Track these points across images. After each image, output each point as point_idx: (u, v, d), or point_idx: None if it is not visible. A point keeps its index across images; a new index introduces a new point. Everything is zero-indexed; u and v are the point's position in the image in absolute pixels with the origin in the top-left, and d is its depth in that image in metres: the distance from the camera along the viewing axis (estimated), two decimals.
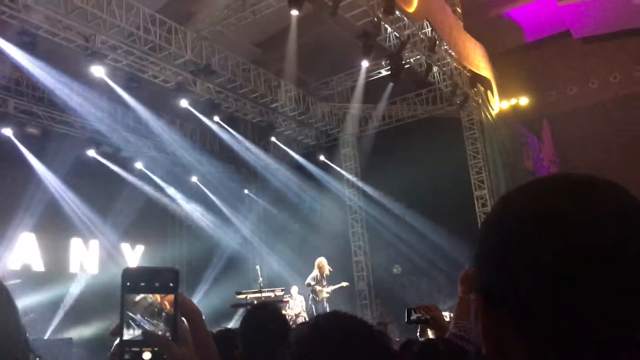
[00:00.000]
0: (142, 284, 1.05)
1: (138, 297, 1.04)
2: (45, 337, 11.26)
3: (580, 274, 0.64)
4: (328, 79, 16.22)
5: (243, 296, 11.07)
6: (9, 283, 8.40)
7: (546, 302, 0.65)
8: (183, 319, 1.46)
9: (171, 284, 1.07)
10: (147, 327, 1.03)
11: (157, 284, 1.05)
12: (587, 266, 0.64)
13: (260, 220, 17.64)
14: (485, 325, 0.73)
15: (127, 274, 1.05)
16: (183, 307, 1.46)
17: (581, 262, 0.65)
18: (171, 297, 1.06)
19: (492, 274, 0.72)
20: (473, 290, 0.76)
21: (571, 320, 0.64)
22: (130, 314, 1.03)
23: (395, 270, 15.28)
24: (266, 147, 17.00)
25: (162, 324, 1.04)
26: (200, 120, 14.22)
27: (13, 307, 0.87)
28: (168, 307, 1.06)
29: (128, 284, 1.05)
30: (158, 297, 1.05)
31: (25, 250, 12.80)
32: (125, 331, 1.03)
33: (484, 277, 0.73)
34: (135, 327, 1.03)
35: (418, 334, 3.24)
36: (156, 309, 1.05)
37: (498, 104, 15.20)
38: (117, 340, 1.04)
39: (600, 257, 0.64)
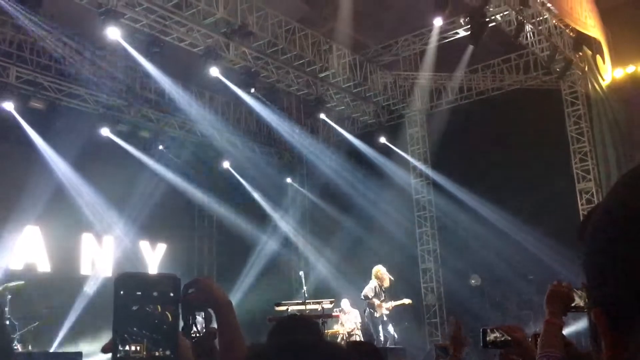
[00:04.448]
0: (138, 293, 1.10)
1: (135, 307, 1.07)
2: (51, 350, 11.76)
3: None
4: (391, 42, 16.06)
5: (284, 308, 11.21)
6: (10, 285, 8.79)
7: None
8: (210, 310, 1.49)
9: (171, 294, 1.12)
10: (144, 342, 1.06)
11: (155, 294, 1.10)
12: None
13: (306, 216, 17.76)
14: (611, 348, 0.70)
15: (121, 281, 1.10)
16: (210, 295, 1.50)
17: None
18: (172, 308, 1.10)
19: (618, 280, 0.68)
20: (590, 303, 0.73)
21: None
22: (126, 328, 1.06)
23: (473, 281, 15.08)
24: (314, 126, 17.06)
25: (162, 339, 1.07)
26: (233, 92, 14.38)
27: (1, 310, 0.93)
28: (170, 318, 1.08)
29: (122, 292, 1.10)
30: (159, 307, 1.09)
31: (29, 246, 13.37)
32: (120, 347, 1.06)
33: (606, 286, 0.70)
34: (132, 342, 1.06)
35: None
36: (156, 322, 1.08)
37: (610, 73, 14.71)
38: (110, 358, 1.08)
39: None
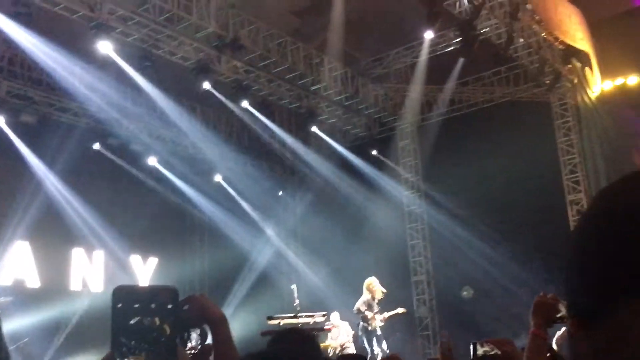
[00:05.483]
0: (136, 306, 1.09)
1: (133, 320, 1.07)
2: None
3: None
4: (382, 55, 16.14)
5: (276, 322, 11.14)
6: None
7: None
8: (205, 327, 1.48)
9: (169, 306, 1.11)
10: (143, 355, 1.06)
11: (153, 306, 1.09)
12: None
13: (298, 229, 17.72)
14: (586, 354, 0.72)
15: (119, 294, 1.10)
16: (205, 311, 1.50)
17: None
18: (170, 320, 1.10)
19: (593, 290, 0.70)
20: (567, 313, 0.75)
21: None
22: (124, 341, 1.05)
23: (465, 293, 15.06)
24: (305, 139, 17.05)
25: (161, 352, 1.07)
26: (225, 106, 14.38)
27: None
28: (168, 330, 1.08)
29: (120, 305, 1.09)
30: (157, 319, 1.08)
31: (19, 262, 13.26)
32: None
33: (581, 296, 0.72)
34: (130, 355, 1.05)
35: None
36: (154, 335, 1.07)
37: (599, 85, 14.82)
38: None
39: None
